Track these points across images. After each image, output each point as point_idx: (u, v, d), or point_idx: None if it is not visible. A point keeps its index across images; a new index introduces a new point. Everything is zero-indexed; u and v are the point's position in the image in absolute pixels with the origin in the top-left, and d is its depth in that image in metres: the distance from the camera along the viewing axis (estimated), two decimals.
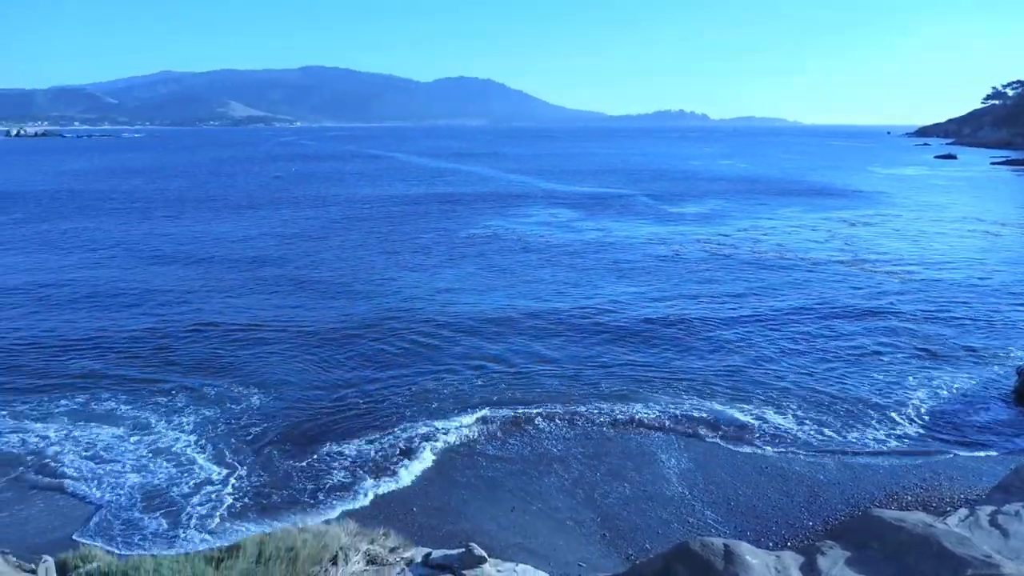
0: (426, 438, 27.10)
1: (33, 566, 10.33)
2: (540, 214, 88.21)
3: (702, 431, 27.93)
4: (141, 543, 20.22)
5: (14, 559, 10.38)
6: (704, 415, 29.27)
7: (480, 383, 32.51)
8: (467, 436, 27.40)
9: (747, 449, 26.58)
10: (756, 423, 28.62)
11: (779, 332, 40.25)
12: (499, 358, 35.69)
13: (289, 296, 47.78)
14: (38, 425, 28.09)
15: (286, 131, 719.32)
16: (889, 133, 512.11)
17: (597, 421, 28.76)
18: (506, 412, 29.36)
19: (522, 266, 56.96)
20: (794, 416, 29.32)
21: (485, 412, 29.32)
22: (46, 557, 10.81)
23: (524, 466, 25.31)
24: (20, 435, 27.23)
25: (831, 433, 27.86)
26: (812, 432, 27.91)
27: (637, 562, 16.08)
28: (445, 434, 27.45)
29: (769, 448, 26.64)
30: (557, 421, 28.67)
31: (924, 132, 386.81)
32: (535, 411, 29.47)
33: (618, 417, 29.04)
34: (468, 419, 28.70)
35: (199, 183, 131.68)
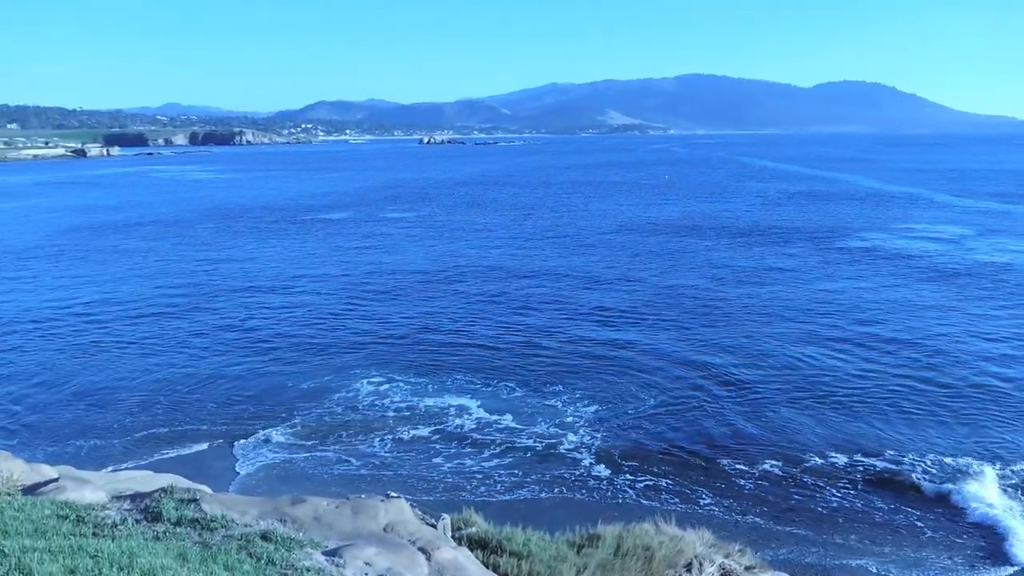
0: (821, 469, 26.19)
1: (433, 521, 11.90)
2: (923, 229, 79.60)
3: None
4: (514, 518, 22.18)
5: (419, 512, 12.06)
6: None
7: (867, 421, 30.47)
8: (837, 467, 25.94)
9: None
10: None
11: None
12: (843, 384, 33.12)
13: (666, 302, 48.83)
14: (448, 399, 32.16)
15: (659, 139, 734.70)
16: None
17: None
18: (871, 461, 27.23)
19: (898, 287, 51.89)
20: None
21: (841, 456, 27.48)
22: (444, 515, 12.41)
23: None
24: (432, 402, 31.48)
25: None
26: None
27: None
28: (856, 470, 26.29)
29: None
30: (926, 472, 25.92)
31: None
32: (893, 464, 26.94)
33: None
34: (841, 457, 27.14)
35: (574, 188, 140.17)
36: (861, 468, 25.41)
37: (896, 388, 32.57)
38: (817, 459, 26.14)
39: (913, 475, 24.85)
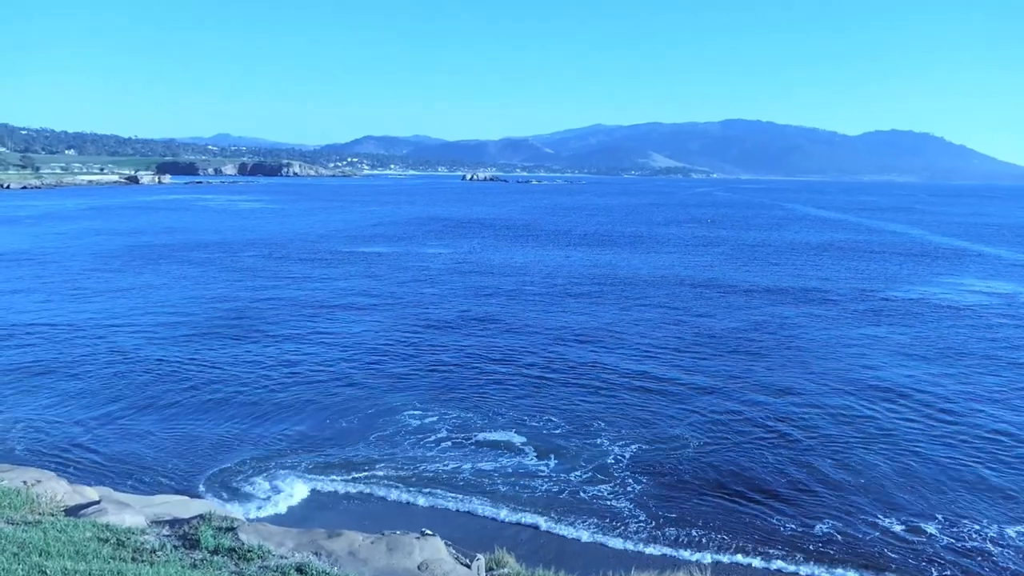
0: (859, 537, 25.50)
1: (468, 561, 11.78)
2: (973, 283, 77.78)
3: None
4: (547, 560, 21.86)
5: (454, 551, 11.95)
6: None
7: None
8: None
9: None
10: None
11: None
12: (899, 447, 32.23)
13: (706, 346, 48.32)
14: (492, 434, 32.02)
15: (702, 182, 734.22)
16: None
17: None
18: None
19: (948, 339, 50.63)
20: None
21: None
22: (479, 555, 12.29)
23: None
24: (472, 437, 31.33)
25: None
26: None
27: None
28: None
29: None
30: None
31: None
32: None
33: None
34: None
35: (614, 228, 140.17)
36: (913, 536, 24.52)
37: (949, 447, 31.65)
38: (864, 517, 25.34)
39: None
